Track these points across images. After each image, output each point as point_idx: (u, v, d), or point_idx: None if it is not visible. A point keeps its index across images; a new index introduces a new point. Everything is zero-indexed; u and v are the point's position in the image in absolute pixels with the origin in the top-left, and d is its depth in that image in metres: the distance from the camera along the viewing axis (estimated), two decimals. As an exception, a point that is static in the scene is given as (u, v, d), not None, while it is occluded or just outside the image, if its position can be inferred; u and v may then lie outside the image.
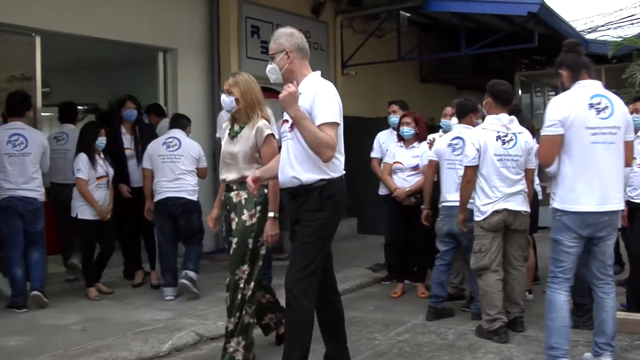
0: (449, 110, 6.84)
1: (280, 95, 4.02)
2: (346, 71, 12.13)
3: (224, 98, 4.84)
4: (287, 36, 4.29)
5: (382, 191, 7.32)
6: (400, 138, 7.01)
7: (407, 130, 6.87)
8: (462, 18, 11.37)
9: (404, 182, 6.85)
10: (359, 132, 11.03)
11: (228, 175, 4.83)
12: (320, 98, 4.09)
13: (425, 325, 5.94)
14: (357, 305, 6.75)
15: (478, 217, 5.51)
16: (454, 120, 6.41)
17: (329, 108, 4.08)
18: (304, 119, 4.02)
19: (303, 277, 4.15)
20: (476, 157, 5.50)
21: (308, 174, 4.16)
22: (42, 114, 8.18)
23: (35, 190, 6.58)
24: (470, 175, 5.57)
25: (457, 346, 5.34)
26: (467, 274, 6.39)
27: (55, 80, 10.78)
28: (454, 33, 12.04)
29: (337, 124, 4.09)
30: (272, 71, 4.30)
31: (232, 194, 4.81)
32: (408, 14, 12.26)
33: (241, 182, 4.74)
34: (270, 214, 4.63)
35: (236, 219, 4.74)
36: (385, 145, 7.54)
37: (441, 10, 11.64)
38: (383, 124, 8.40)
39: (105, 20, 8.23)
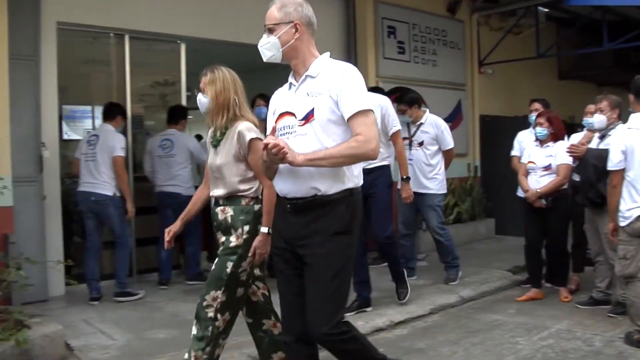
0: (591, 107, 6.57)
1: (274, 149, 3.16)
2: (483, 70, 11.93)
3: (200, 98, 4.21)
4: (296, 5, 3.50)
5: (520, 193, 7.15)
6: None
7: (541, 131, 6.67)
8: (604, 11, 10.91)
9: (536, 183, 6.66)
10: (496, 131, 10.93)
11: (215, 190, 4.15)
12: (350, 81, 3.33)
13: (570, 330, 5.74)
14: (497, 308, 6.64)
15: (622, 222, 5.28)
16: (598, 117, 6.16)
17: (362, 93, 3.35)
18: (319, 154, 3.25)
19: (336, 324, 3.33)
20: (622, 160, 5.28)
21: (331, 182, 3.36)
22: (186, 117, 8.51)
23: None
24: (617, 180, 5.34)
25: (605, 354, 5.13)
26: (613, 278, 6.15)
27: (197, 84, 11.17)
28: (594, 27, 11.55)
29: (372, 111, 3.36)
30: (270, 46, 3.47)
31: (218, 209, 4.12)
32: (546, 10, 11.91)
33: (228, 198, 4.09)
34: (264, 229, 3.96)
35: (222, 239, 4.09)
36: (524, 144, 7.39)
37: (582, 5, 11.22)
38: (521, 123, 8.24)
39: (245, 25, 8.45)
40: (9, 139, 6.37)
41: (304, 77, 3.46)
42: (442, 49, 11.05)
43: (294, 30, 3.44)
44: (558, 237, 6.66)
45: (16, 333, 4.62)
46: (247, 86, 6.53)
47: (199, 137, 10.34)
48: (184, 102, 8.33)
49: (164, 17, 7.82)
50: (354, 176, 3.43)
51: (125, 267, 7.21)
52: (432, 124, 7.42)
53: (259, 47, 3.52)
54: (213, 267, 4.04)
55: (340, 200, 3.36)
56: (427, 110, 7.61)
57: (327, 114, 3.33)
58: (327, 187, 3.34)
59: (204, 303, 3.98)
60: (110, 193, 6.95)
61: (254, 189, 4.10)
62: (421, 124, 7.41)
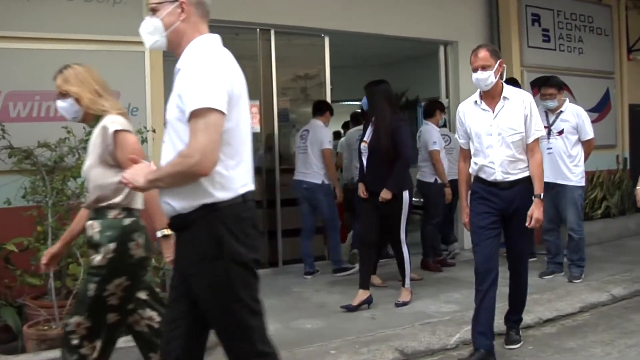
0: None
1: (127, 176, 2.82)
2: (632, 56, 11.31)
3: (60, 104, 3.63)
4: None
5: None
6: None
7: None
8: None
9: None
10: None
11: (86, 199, 3.62)
12: (194, 71, 2.71)
13: None
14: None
15: None
16: None
17: (204, 86, 2.66)
18: (157, 174, 2.76)
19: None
20: None
21: (183, 198, 2.77)
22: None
23: (310, 174, 7.69)
24: None
25: None
26: None
27: (339, 77, 11.33)
28: None
29: (214, 110, 2.65)
30: (153, 30, 2.93)
31: (87, 224, 3.49)
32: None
33: (95, 210, 3.47)
34: (159, 234, 3.48)
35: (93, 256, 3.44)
36: None
37: None
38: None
39: (388, 17, 8.51)
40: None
41: (176, 70, 2.85)
42: (589, 35, 10.61)
43: (179, 10, 2.89)
44: None
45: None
46: (388, 78, 6.66)
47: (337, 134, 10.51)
48: (328, 95, 8.47)
49: (309, 11, 7.96)
50: (219, 188, 2.76)
51: (337, 247, 7.91)
52: (573, 113, 7.14)
53: (140, 32, 2.99)
54: (76, 288, 3.56)
55: (197, 220, 2.77)
56: (567, 99, 7.36)
57: (176, 112, 2.76)
58: (181, 204, 2.79)
59: (68, 328, 3.43)
60: (319, 181, 7.67)
61: (121, 198, 3.47)
62: (561, 112, 7.16)
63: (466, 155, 5.13)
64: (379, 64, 12.32)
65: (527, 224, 4.79)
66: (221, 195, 2.76)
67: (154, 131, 6.09)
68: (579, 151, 7.15)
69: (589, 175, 8.21)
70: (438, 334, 5.35)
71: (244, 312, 2.81)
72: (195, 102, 2.63)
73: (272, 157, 8.21)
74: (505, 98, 4.80)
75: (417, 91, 10.66)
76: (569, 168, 7.09)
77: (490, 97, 4.83)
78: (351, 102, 12.04)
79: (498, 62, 4.71)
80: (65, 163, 5.33)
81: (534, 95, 8.95)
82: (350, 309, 6.08)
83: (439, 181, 7.86)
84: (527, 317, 5.75)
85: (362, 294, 6.19)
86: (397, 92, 12.21)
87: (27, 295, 5.15)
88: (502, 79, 4.83)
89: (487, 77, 4.69)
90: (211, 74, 2.70)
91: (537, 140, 4.88)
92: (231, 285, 2.77)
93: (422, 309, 6.19)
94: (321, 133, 7.72)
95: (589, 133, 7.14)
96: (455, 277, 7.48)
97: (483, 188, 4.89)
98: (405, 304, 6.29)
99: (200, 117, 2.63)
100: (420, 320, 5.74)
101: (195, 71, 2.70)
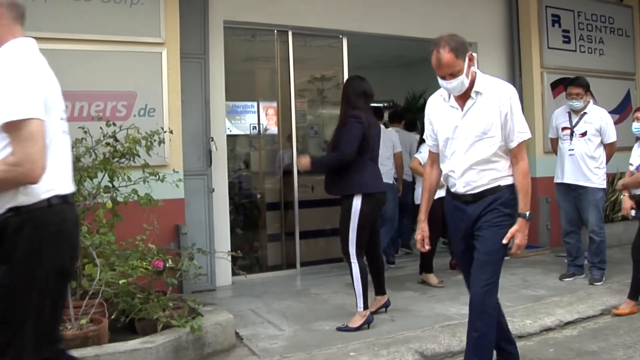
0: None
1: None
2: (654, 57, 11.24)
3: None
4: None
5: None
6: None
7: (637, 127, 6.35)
8: None
9: None
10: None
11: None
12: (5, 83, 2.61)
13: None
14: None
15: None
16: None
17: (18, 98, 2.59)
18: None
19: None
20: None
21: None
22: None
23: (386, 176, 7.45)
24: None
25: None
26: None
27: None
28: None
29: (35, 119, 2.64)
30: None
31: None
32: None
33: None
34: None
35: None
36: None
37: None
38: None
39: (406, 18, 8.48)
40: (181, 134, 6.66)
41: None
42: (610, 37, 10.50)
43: None
44: None
45: (191, 320, 4.82)
46: (406, 79, 6.65)
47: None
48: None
49: (326, 13, 7.95)
50: (22, 192, 2.71)
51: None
52: (597, 116, 7.07)
53: None
54: None
55: (6, 222, 2.71)
56: (591, 101, 7.28)
57: None
58: None
59: None
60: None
61: None
62: (584, 113, 7.08)
63: (434, 159, 4.35)
64: (397, 65, 12.30)
65: (508, 247, 4.03)
66: (24, 199, 2.71)
67: (171, 132, 6.08)
68: (601, 153, 7.08)
69: (610, 177, 8.12)
70: (458, 336, 5.26)
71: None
72: (15, 113, 2.59)
73: (290, 159, 8.18)
74: (477, 93, 3.98)
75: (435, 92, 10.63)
76: (591, 170, 7.02)
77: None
78: (378, 104, 11.99)
79: (467, 59, 3.89)
80: (81, 163, 5.32)
81: (556, 95, 8.90)
82: (349, 329, 5.56)
83: None
84: (548, 320, 5.72)
85: (380, 300, 6.06)
86: (415, 94, 12.20)
87: (42, 296, 5.12)
88: (475, 70, 4.02)
89: (459, 84, 3.91)
90: (26, 81, 2.64)
91: (522, 144, 4.01)
92: (25, 287, 2.72)
93: (442, 310, 6.12)
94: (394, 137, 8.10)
95: (612, 136, 7.06)
96: (475, 280, 7.36)
97: (449, 200, 4.26)
98: (348, 329, 5.53)
99: (23, 127, 2.61)
100: (440, 322, 5.66)
101: (9, 78, 2.62)
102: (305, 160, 5.84)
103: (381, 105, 10.89)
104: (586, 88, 7.07)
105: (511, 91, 4.01)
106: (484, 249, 3.99)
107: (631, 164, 6.34)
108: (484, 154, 3.97)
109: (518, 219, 3.94)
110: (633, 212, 6.24)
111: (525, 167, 4.00)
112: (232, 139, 8.19)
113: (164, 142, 5.79)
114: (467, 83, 3.91)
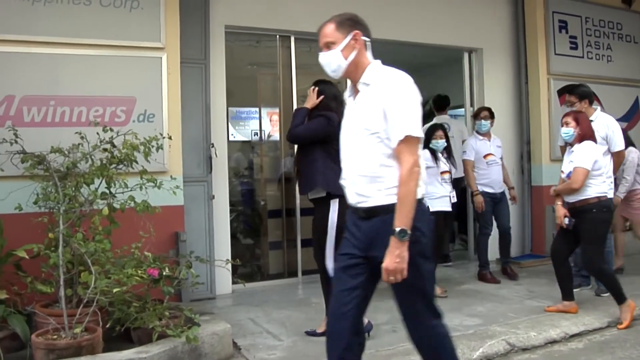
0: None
1: None
2: (663, 65, 11.11)
3: None
4: None
5: None
6: None
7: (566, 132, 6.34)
8: None
9: None
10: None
11: None
12: None
13: None
14: None
15: None
16: None
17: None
18: None
19: None
20: None
21: None
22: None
23: None
24: None
25: None
26: None
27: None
28: None
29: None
30: None
31: None
32: None
33: None
34: None
35: None
36: None
37: None
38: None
39: (413, 24, 8.41)
40: (181, 140, 6.57)
41: None
42: (618, 43, 10.38)
43: None
44: None
45: (187, 330, 4.72)
46: (415, 84, 6.54)
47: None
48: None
49: (328, 18, 7.81)
50: None
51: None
52: (603, 123, 6.90)
53: None
54: None
55: None
56: (598, 108, 7.15)
57: None
58: None
59: None
60: None
61: None
62: (591, 121, 6.96)
63: None
64: (405, 69, 12.14)
65: (382, 278, 3.29)
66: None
67: (170, 138, 5.99)
68: (608, 162, 6.93)
69: (617, 186, 7.98)
70: (461, 348, 5.12)
71: None
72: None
73: (292, 165, 8.08)
74: (365, 84, 3.46)
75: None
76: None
77: (354, 84, 3.57)
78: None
79: (351, 35, 3.47)
80: (78, 169, 5.24)
81: (563, 102, 8.79)
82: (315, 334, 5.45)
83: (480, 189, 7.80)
84: (553, 332, 5.60)
85: None
86: (423, 99, 12.05)
87: (36, 303, 5.05)
88: (371, 60, 3.53)
89: (331, 60, 3.47)
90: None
91: (405, 143, 3.26)
92: None
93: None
94: None
95: (619, 144, 6.88)
96: (480, 290, 7.28)
97: (348, 213, 3.63)
98: (314, 333, 5.48)
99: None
100: (442, 334, 5.55)
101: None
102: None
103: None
104: (579, 96, 6.97)
105: (399, 81, 3.41)
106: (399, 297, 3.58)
107: (562, 172, 6.28)
108: (374, 156, 3.35)
109: (391, 237, 3.19)
110: (567, 220, 6.10)
111: (405, 172, 3.24)
112: (233, 145, 8.11)
113: (162, 148, 5.71)
114: (342, 63, 3.44)
